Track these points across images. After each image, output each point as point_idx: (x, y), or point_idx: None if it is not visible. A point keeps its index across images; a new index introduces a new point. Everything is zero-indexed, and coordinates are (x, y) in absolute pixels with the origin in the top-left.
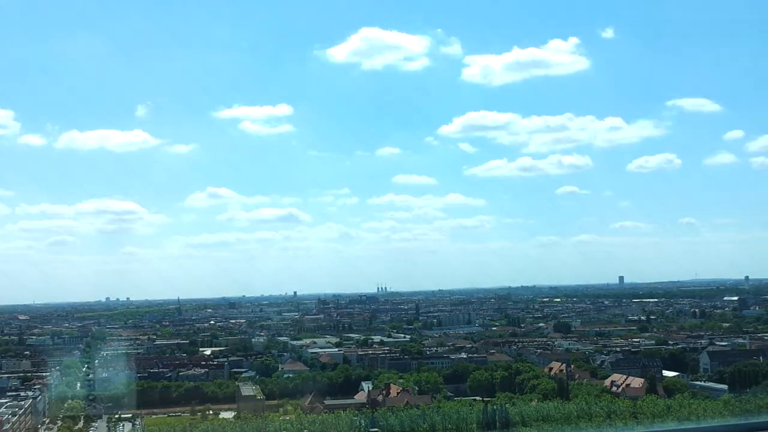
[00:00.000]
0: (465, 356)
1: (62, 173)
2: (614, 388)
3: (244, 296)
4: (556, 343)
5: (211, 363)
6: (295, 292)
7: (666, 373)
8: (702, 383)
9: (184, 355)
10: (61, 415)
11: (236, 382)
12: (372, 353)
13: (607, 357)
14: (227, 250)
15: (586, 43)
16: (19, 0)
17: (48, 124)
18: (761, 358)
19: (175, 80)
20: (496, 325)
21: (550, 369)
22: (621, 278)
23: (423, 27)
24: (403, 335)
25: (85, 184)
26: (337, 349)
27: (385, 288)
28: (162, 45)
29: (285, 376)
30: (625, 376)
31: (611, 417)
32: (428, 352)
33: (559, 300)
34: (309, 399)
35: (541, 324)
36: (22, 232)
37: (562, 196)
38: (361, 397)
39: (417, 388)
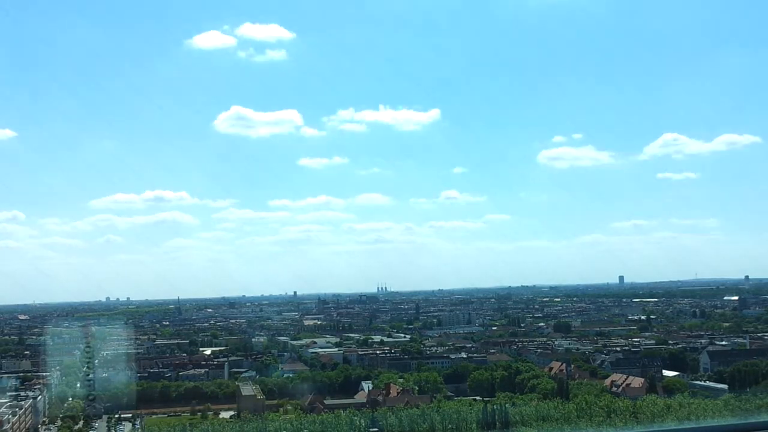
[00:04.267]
0: (465, 356)
1: None
2: (614, 388)
3: (244, 296)
4: (556, 342)
5: (211, 363)
6: (295, 292)
7: (666, 372)
8: (702, 383)
9: (184, 355)
10: (61, 415)
11: (236, 382)
12: (372, 353)
13: (607, 357)
14: (227, 250)
15: None
16: None
17: None
18: (761, 358)
19: None
20: (496, 325)
21: (550, 369)
22: (621, 278)
23: None
24: (403, 335)
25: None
26: (337, 349)
27: (385, 288)
28: None
29: (285, 375)
30: (625, 376)
31: (611, 417)
32: (428, 352)
33: (559, 300)
34: (309, 399)
35: (541, 324)
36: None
37: (563, 196)
38: (361, 396)
39: (417, 388)
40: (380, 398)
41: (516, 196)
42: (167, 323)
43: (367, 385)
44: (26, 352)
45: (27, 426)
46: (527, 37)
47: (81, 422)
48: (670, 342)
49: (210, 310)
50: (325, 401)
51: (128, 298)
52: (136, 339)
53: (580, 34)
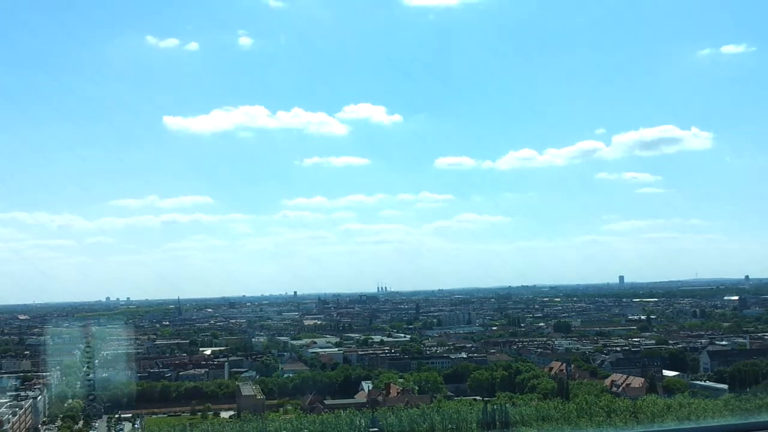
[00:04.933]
0: (465, 356)
1: None
2: (614, 388)
3: (244, 296)
4: (556, 342)
5: (211, 363)
6: (295, 292)
7: (666, 372)
8: (702, 383)
9: (184, 355)
10: (61, 415)
11: (236, 382)
12: (372, 353)
13: (607, 357)
14: (227, 250)
15: None
16: None
17: None
18: (761, 358)
19: None
20: (496, 325)
21: (550, 369)
22: (621, 278)
23: None
24: (403, 335)
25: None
26: (337, 349)
27: (385, 288)
28: None
29: (285, 375)
30: (625, 376)
31: (611, 417)
32: (428, 352)
33: (559, 300)
34: (309, 399)
35: (541, 324)
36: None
37: (564, 196)
38: (361, 396)
39: (417, 388)
40: (380, 398)
41: (516, 196)
42: (167, 323)
43: (367, 385)
44: (26, 352)
45: (27, 426)
46: (528, 37)
47: (81, 422)
48: (670, 342)
49: (210, 310)
50: (325, 401)
51: (128, 298)
52: (136, 339)
53: (580, 33)
